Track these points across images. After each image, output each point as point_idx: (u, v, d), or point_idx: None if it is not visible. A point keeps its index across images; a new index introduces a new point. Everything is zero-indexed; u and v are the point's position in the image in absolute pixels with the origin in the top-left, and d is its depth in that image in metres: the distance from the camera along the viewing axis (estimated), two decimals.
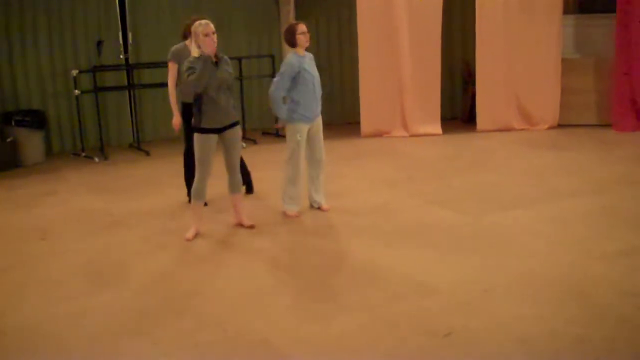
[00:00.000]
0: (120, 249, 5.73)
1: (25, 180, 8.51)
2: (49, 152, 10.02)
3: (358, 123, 10.67)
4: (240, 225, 6.16)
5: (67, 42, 10.03)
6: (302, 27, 6.14)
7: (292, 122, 6.23)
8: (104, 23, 10.24)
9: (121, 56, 10.39)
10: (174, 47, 6.62)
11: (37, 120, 9.49)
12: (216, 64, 5.60)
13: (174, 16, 10.35)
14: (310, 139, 6.36)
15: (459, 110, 11.75)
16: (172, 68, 6.59)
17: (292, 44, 6.19)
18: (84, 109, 9.98)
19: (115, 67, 10.23)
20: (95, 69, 9.67)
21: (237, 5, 10.99)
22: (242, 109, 10.57)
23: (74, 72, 9.41)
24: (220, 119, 5.71)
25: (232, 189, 6.07)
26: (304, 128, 6.24)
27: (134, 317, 4.29)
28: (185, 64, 5.56)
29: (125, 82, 10.31)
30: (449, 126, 10.57)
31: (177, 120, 6.63)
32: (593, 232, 5.61)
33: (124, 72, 10.33)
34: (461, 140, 9.88)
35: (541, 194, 6.79)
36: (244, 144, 10.13)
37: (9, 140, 9.19)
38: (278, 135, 10.65)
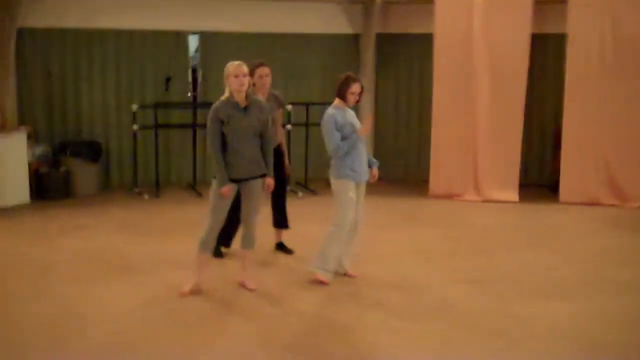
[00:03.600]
0: (108, 297, 5.33)
1: (66, 211, 8.34)
2: (106, 185, 9.87)
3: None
4: (243, 286, 5.59)
5: (135, 77, 9.94)
6: (356, 87, 5.55)
7: (340, 178, 5.62)
8: (174, 60, 10.09)
9: (189, 94, 10.18)
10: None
11: (92, 152, 9.36)
12: (245, 109, 5.16)
13: (247, 58, 10.01)
14: None
15: (547, 177, 10.67)
16: None
17: (340, 95, 5.61)
18: (145, 145, 9.79)
19: (178, 105, 10.02)
20: (157, 106, 9.46)
21: (314, 49, 10.56)
22: (306, 156, 10.08)
23: (134, 107, 9.24)
24: (243, 171, 5.28)
25: (243, 244, 5.60)
26: (353, 185, 5.62)
27: None
28: (211, 112, 5.19)
29: (191, 121, 10.06)
30: (530, 194, 9.55)
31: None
32: None
33: (191, 111, 10.08)
34: (536, 211, 8.83)
35: (593, 285, 5.77)
36: (300, 194, 9.64)
37: (62, 170, 9.09)
38: None
